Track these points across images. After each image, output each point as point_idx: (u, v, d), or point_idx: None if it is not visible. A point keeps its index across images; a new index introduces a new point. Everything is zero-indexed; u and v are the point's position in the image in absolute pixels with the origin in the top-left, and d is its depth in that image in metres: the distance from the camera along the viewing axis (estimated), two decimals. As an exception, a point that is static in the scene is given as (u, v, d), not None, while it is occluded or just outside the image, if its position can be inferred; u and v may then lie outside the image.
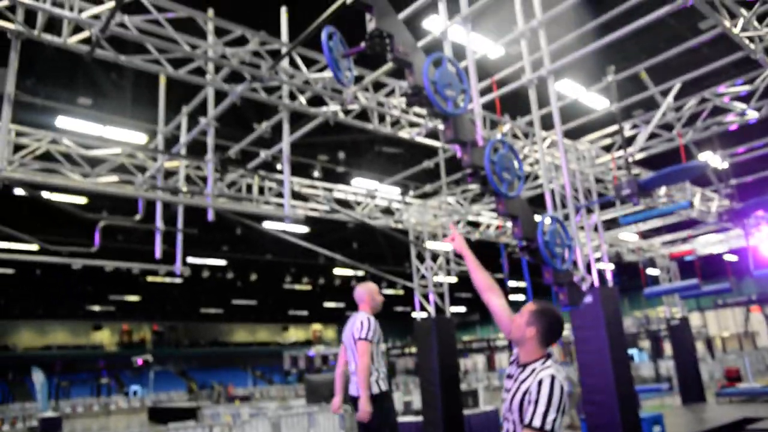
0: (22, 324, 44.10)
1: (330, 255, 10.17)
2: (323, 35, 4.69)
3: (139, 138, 9.94)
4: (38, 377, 24.21)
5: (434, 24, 7.02)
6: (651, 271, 18.43)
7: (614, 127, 9.90)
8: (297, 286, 39.53)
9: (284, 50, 6.51)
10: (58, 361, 38.46)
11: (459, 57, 5.48)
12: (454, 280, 15.25)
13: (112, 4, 5.32)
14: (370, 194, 11.90)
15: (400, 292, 36.37)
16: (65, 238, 15.24)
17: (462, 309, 49.61)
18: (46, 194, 10.28)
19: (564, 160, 6.59)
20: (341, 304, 47.45)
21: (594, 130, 10.50)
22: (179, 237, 8.15)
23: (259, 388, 43.54)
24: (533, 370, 2.57)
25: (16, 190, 8.76)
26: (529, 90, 6.64)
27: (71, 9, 5.37)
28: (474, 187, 11.36)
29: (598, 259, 8.67)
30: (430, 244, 12.46)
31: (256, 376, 48.64)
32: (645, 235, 16.83)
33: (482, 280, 3.05)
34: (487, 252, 16.68)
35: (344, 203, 11.75)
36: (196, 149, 8.94)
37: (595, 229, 9.61)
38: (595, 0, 7.79)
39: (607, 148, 10.80)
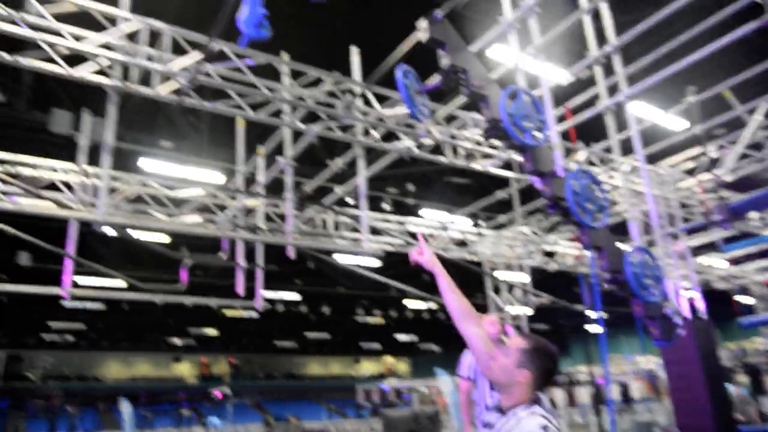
0: (110, 356, 46.15)
1: (401, 287, 10.15)
2: (398, 74, 4.77)
3: (218, 177, 10.35)
4: (126, 408, 25.12)
5: (499, 53, 7.00)
6: (743, 299, 17.33)
7: (696, 150, 9.50)
8: (369, 319, 39.59)
9: (357, 89, 6.66)
10: (143, 393, 39.89)
11: (529, 85, 5.44)
12: (530, 311, 14.86)
13: (198, 56, 5.62)
14: (443, 226, 11.86)
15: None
16: (148, 274, 15.98)
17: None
18: (134, 233, 10.81)
19: (648, 186, 6.36)
20: (414, 337, 47.08)
21: (673, 153, 10.09)
22: (259, 273, 8.37)
23: (333, 421, 43.52)
24: (517, 418, 2.11)
25: (107, 229, 9.29)
26: (606, 117, 6.49)
27: (162, 62, 5.72)
28: (550, 215, 11.12)
29: (687, 289, 8.24)
30: (505, 275, 12.23)
31: (329, 409, 48.73)
32: (736, 261, 15.89)
33: (458, 304, 2.49)
34: (562, 282, 16.21)
35: (416, 236, 11.76)
36: (273, 187, 9.21)
37: (682, 256, 9.16)
38: (669, 22, 7.58)
39: (690, 172, 10.34)
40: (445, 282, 2.55)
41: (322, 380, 54.31)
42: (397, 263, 19.56)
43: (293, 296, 29.71)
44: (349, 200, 10.08)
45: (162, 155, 10.95)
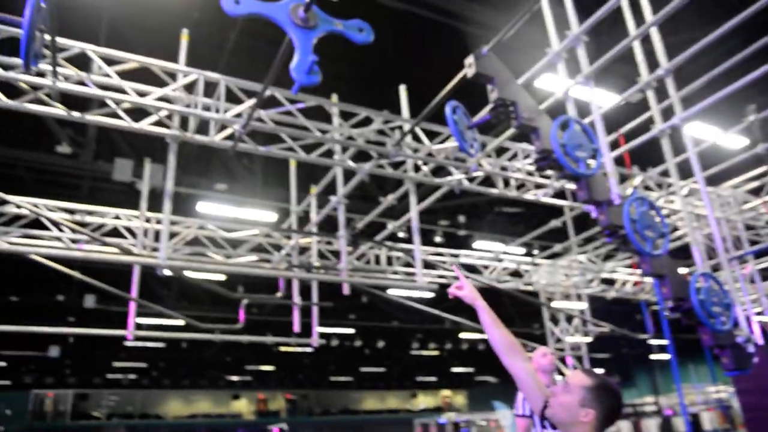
0: (171, 394, 47.03)
1: (456, 320, 10.05)
2: (447, 110, 4.82)
3: (271, 217, 10.59)
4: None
5: (548, 83, 6.97)
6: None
7: (759, 169, 9.14)
8: (424, 352, 39.17)
9: (406, 126, 6.75)
10: (203, 429, 40.41)
11: (580, 113, 5.40)
12: (590, 340, 14.43)
13: (252, 102, 5.84)
14: (497, 257, 11.73)
15: (530, 354, 34.86)
16: (206, 313, 16.35)
17: (600, 371, 46.41)
18: (192, 275, 11.13)
19: (709, 208, 6.14)
20: (470, 369, 46.21)
21: (735, 175, 9.73)
22: (314, 310, 8.46)
23: (391, 457, 42.89)
24: None
25: (166, 271, 9.61)
26: (662, 140, 6.34)
27: (217, 111, 5.97)
28: (607, 242, 10.85)
29: (759, 314, 7.85)
30: (562, 305, 11.95)
31: (387, 444, 48.07)
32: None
33: (502, 338, 2.38)
34: (623, 310, 15.68)
35: (470, 268, 11.66)
36: (326, 225, 9.36)
37: (751, 280, 8.76)
38: (722, 40, 7.41)
39: (755, 192, 9.94)
40: (487, 316, 2.45)
41: (378, 415, 53.75)
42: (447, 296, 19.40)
43: (348, 331, 29.77)
44: (402, 234, 10.13)
45: (218, 198, 11.31)
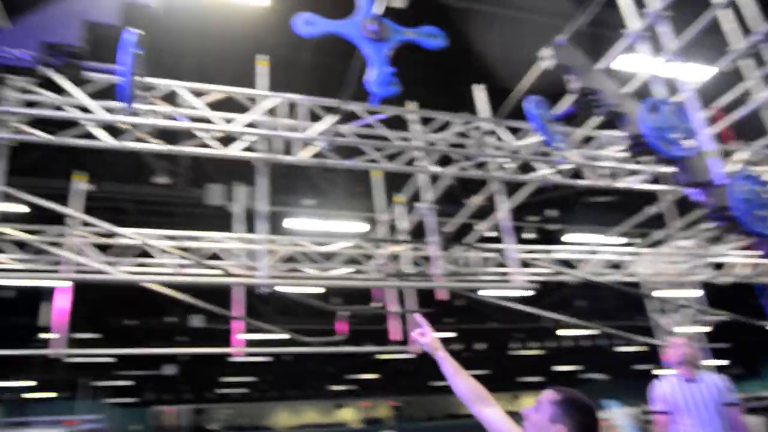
0: (279, 405, 48.66)
1: (555, 317, 9.76)
2: (529, 105, 4.72)
3: (361, 227, 10.76)
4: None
5: (630, 64, 6.63)
6: None
7: None
8: (525, 352, 38.31)
9: (487, 126, 6.67)
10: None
11: (668, 92, 5.11)
12: (707, 330, 13.56)
13: (333, 119, 5.98)
14: (592, 250, 11.30)
15: (632, 348, 33.32)
16: (306, 326, 16.81)
17: (722, 362, 43.34)
18: (289, 290, 11.47)
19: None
20: (573, 367, 44.65)
21: None
22: (412, 317, 8.48)
23: (500, 460, 42.04)
24: None
25: (267, 289, 9.99)
26: (763, 111, 5.89)
27: (299, 130, 6.16)
28: (714, 225, 10.17)
29: None
30: (670, 294, 11.32)
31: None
32: None
33: (467, 387, 2.40)
34: (740, 295, 14.60)
35: (564, 263, 11.29)
36: (416, 231, 9.36)
37: None
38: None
39: None
40: (449, 367, 2.46)
41: (482, 418, 52.98)
42: (548, 293, 18.91)
43: (446, 335, 29.68)
44: (492, 234, 9.98)
45: (306, 213, 11.66)
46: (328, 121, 6.18)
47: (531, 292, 7.80)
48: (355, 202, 12.27)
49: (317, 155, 6.35)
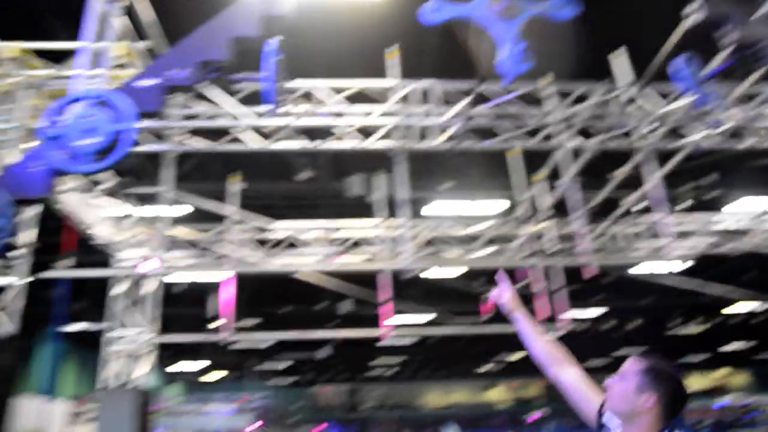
0: (429, 386, 49.68)
1: (718, 291, 8.99)
2: (678, 65, 4.38)
3: (502, 207, 10.60)
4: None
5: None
6: None
7: None
8: (686, 330, 35.56)
9: (630, 93, 6.27)
10: (462, 418, 41.93)
11: None
12: None
13: (466, 102, 5.96)
14: (759, 217, 10.21)
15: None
16: (451, 308, 16.94)
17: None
18: (433, 273, 11.66)
19: None
20: (749, 344, 40.67)
21: None
22: (559, 296, 8.27)
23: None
24: None
25: (408, 273, 10.24)
26: None
27: (433, 115, 6.21)
28: None
29: None
30: None
31: (657, 430, 44.51)
32: None
33: (544, 350, 2.20)
34: None
35: (727, 232, 10.32)
36: (559, 208, 9.07)
37: None
38: None
39: None
40: (526, 327, 2.28)
41: (644, 399, 50.21)
42: (710, 265, 17.39)
43: (597, 313, 28.42)
44: (641, 206, 9.38)
45: (445, 196, 11.69)
46: (461, 104, 6.17)
47: (689, 265, 7.29)
48: (495, 183, 12.08)
49: (453, 139, 6.37)
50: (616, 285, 22.08)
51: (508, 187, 9.59)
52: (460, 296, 18.58)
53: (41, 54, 6.61)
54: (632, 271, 10.09)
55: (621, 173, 7.86)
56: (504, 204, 10.60)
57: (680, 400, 1.89)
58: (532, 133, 6.69)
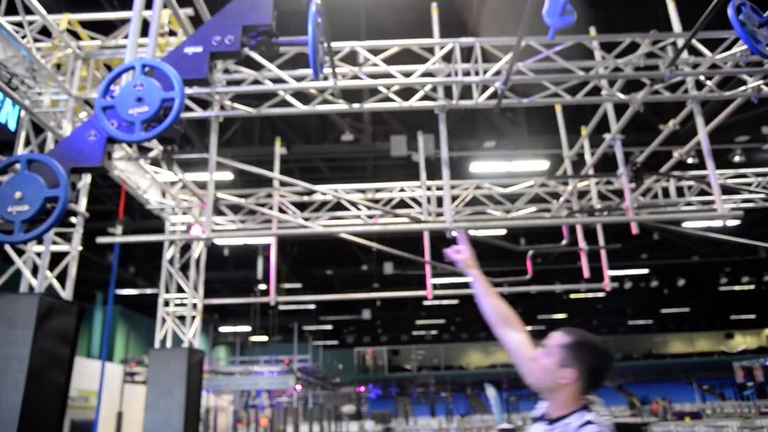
0: (470, 346, 50.20)
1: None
2: (730, 11, 4.21)
3: (543, 165, 10.47)
4: (491, 392, 27.01)
5: None
6: None
7: None
8: (736, 287, 34.73)
9: (680, 42, 6.04)
10: (504, 378, 42.30)
11: None
12: None
13: (509, 57, 5.84)
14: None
15: None
16: (492, 268, 16.95)
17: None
18: (475, 233, 11.64)
19: None
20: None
21: None
22: (603, 253, 8.19)
23: (709, 403, 39.35)
24: (567, 429, 1.81)
25: (454, 233, 10.26)
26: None
27: (477, 73, 6.12)
28: None
29: None
30: None
31: (702, 390, 44.14)
32: None
33: (494, 309, 2.22)
34: None
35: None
36: (603, 165, 8.91)
37: None
38: None
39: None
40: (480, 285, 2.31)
41: (688, 358, 49.67)
42: (761, 221, 16.84)
43: (642, 271, 27.98)
44: (691, 160, 9.13)
45: (487, 156, 11.60)
46: (504, 60, 6.06)
47: (739, 222, 7.10)
48: (538, 140, 11.92)
49: (495, 96, 6.28)
50: (662, 242, 21.68)
51: (552, 144, 9.46)
52: (502, 256, 18.58)
53: (88, 26, 6.74)
54: (680, 227, 9.87)
55: (670, 126, 7.64)
56: (546, 162, 10.46)
57: (602, 373, 1.92)
58: (578, 87, 6.53)
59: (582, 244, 8.04)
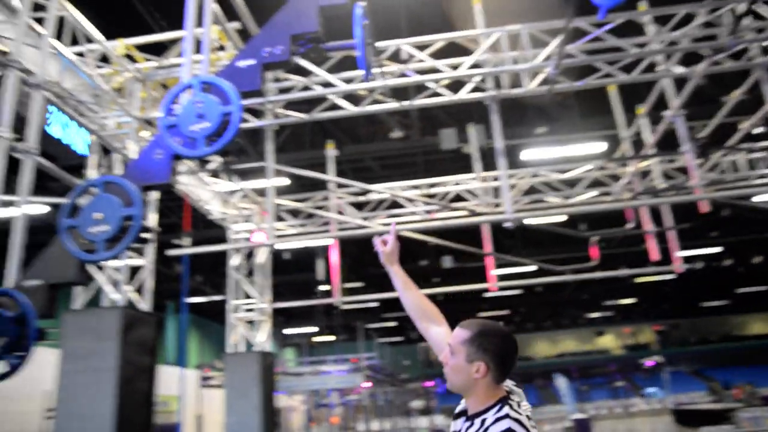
0: (536, 336, 49.43)
1: None
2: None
3: (600, 148, 10.18)
4: (562, 383, 26.51)
5: None
6: None
7: None
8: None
9: (741, 7, 5.76)
10: (572, 367, 41.45)
11: None
12: None
13: (558, 41, 5.73)
14: None
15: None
16: (554, 256, 16.64)
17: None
18: (534, 221, 11.46)
19: None
20: None
21: None
22: (671, 234, 7.92)
23: (800, 387, 37.20)
24: (483, 424, 1.78)
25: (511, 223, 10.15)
26: None
27: (526, 61, 6.04)
28: None
29: None
30: None
31: (790, 373, 41.81)
32: None
33: (416, 303, 2.27)
34: None
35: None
36: (665, 142, 8.60)
37: None
38: None
39: None
40: (400, 281, 2.35)
41: (770, 339, 47.26)
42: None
43: (713, 250, 26.80)
44: (760, 130, 8.68)
45: (540, 142, 11.38)
46: (554, 44, 5.95)
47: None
48: (591, 122, 11.62)
49: (546, 82, 6.18)
50: (734, 219, 20.70)
51: (606, 125, 9.20)
52: (563, 243, 18.20)
53: (141, 48, 7.03)
54: (752, 201, 9.42)
55: (735, 96, 7.30)
56: (603, 144, 10.17)
57: (511, 357, 1.89)
58: (632, 65, 6.34)
59: (648, 225, 7.79)
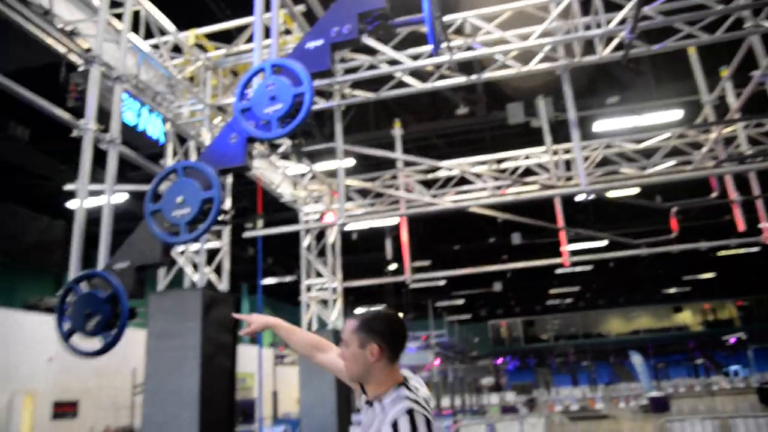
0: (609, 313, 48.10)
1: None
2: None
3: (677, 115, 9.68)
4: (637, 360, 25.78)
5: None
6: None
7: None
8: None
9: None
10: (648, 344, 40.16)
11: None
12: None
13: (633, 3, 5.46)
14: None
15: None
16: (628, 230, 16.05)
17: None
18: (611, 194, 11.08)
19: None
20: None
21: None
22: (760, 204, 7.47)
23: None
24: (382, 408, 1.86)
25: (579, 197, 9.84)
26: None
27: (599, 26, 5.78)
28: None
29: None
30: None
31: None
32: None
33: (302, 342, 2.42)
34: None
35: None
36: (751, 106, 8.07)
37: None
38: None
39: None
40: (282, 331, 2.46)
41: None
42: None
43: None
44: None
45: (613, 112, 10.93)
46: (629, 6, 5.67)
47: None
48: (667, 89, 11.05)
49: (621, 47, 5.90)
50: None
51: (684, 91, 8.73)
52: (638, 216, 17.54)
53: (210, 37, 7.20)
54: None
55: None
56: (680, 111, 9.68)
57: (400, 335, 1.97)
58: (715, 24, 5.96)
59: (734, 195, 7.37)
